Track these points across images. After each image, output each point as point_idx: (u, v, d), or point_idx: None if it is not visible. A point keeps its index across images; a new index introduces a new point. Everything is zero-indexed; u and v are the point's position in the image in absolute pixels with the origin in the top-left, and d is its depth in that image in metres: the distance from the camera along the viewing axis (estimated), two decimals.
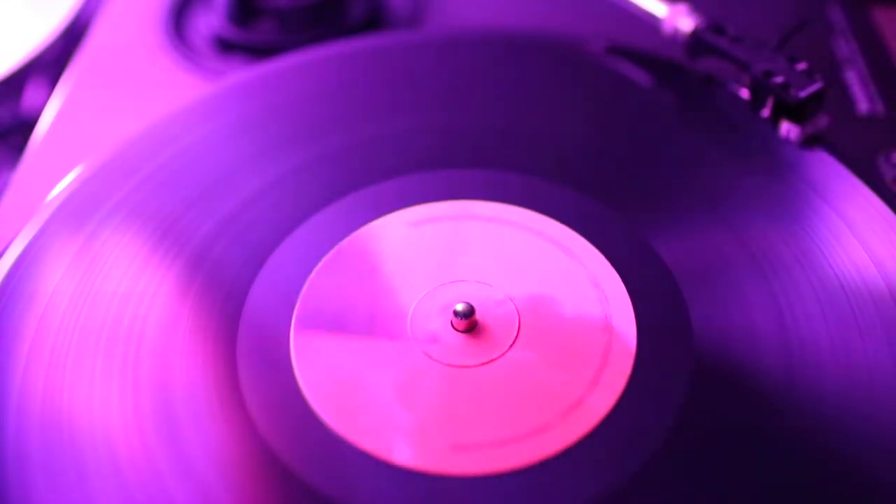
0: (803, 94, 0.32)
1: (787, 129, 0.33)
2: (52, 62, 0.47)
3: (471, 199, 0.32)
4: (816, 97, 0.32)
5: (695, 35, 0.35)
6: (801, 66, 0.33)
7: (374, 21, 0.44)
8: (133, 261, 0.30)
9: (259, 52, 0.42)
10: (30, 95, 0.46)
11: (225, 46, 0.43)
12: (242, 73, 0.37)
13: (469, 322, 0.27)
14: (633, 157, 0.33)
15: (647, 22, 0.37)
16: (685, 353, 0.27)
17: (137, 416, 0.26)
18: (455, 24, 0.44)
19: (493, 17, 0.44)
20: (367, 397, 0.26)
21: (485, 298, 0.29)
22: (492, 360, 0.27)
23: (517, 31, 0.39)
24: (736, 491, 0.24)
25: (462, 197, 0.32)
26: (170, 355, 0.27)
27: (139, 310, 0.28)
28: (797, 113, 0.32)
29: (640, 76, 0.36)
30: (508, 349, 0.27)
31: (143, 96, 0.40)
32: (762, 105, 0.33)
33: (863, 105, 0.38)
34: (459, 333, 0.28)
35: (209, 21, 0.44)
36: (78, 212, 0.31)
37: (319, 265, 0.30)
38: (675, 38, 0.36)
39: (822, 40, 0.42)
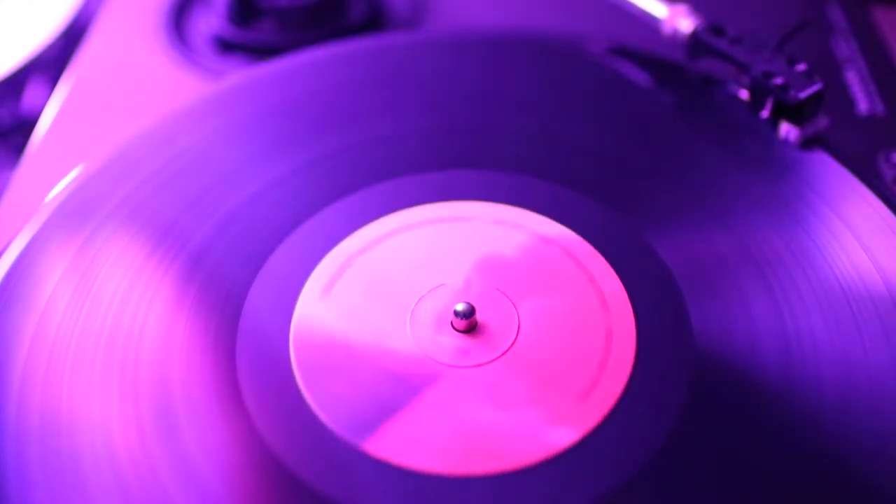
0: (803, 95, 0.32)
1: (786, 129, 0.33)
2: (52, 62, 0.47)
3: (470, 200, 0.32)
4: (816, 98, 0.32)
5: (694, 36, 0.35)
6: (801, 66, 0.33)
7: (374, 21, 0.44)
8: (132, 262, 0.30)
9: (259, 52, 0.42)
10: (30, 95, 0.46)
11: (225, 46, 0.43)
12: (242, 73, 0.37)
13: (469, 322, 0.27)
14: (632, 157, 0.33)
15: (647, 22, 0.37)
16: (685, 353, 0.27)
17: (137, 418, 0.26)
18: (455, 24, 0.44)
19: (493, 17, 0.44)
20: (369, 397, 0.26)
21: (484, 299, 0.29)
22: (492, 361, 0.27)
23: (517, 32, 0.39)
24: (736, 492, 0.24)
25: (461, 198, 0.32)
26: (169, 356, 0.27)
27: (138, 311, 0.28)
28: (797, 114, 0.32)
29: (639, 76, 0.36)
30: (508, 349, 0.27)
31: (143, 96, 0.40)
32: (762, 106, 0.33)
33: (863, 105, 0.38)
34: (460, 333, 0.28)
35: (209, 21, 0.44)
36: (77, 212, 0.31)
37: (321, 263, 0.30)
38: (674, 39, 0.36)
39: (822, 40, 0.42)
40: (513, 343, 0.27)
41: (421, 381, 0.27)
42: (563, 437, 0.25)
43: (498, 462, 0.25)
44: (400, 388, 0.26)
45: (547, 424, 0.25)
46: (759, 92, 0.33)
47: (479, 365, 0.27)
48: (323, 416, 0.26)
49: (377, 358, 0.27)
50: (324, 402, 0.26)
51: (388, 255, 0.30)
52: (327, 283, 0.29)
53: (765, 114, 0.33)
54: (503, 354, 0.27)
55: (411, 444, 0.25)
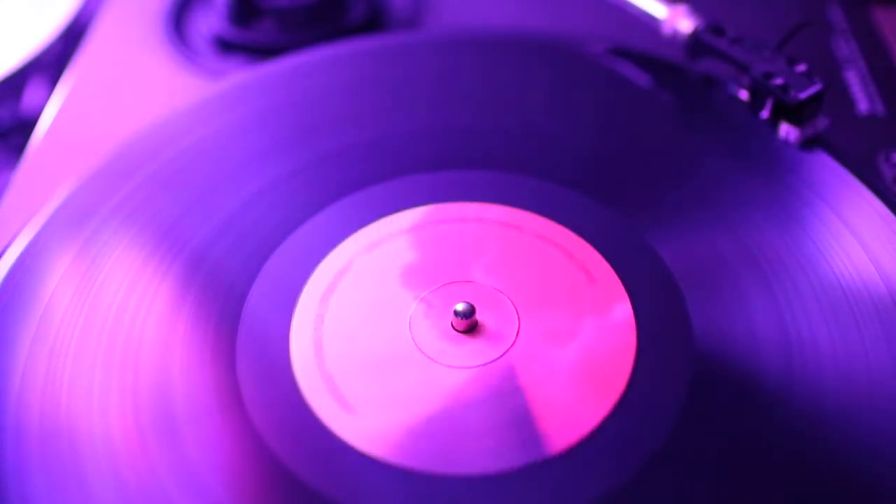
0: (803, 95, 0.32)
1: (786, 130, 0.33)
2: (52, 62, 0.47)
3: (470, 201, 0.32)
4: (816, 99, 0.32)
5: (694, 36, 0.35)
6: (801, 67, 0.33)
7: (374, 21, 0.44)
8: (133, 262, 0.30)
9: (259, 52, 0.42)
10: (30, 95, 0.46)
11: (225, 46, 0.43)
12: (243, 74, 0.37)
13: (469, 322, 0.27)
14: (633, 157, 0.33)
15: (647, 23, 0.37)
16: (685, 353, 0.27)
17: (136, 418, 0.26)
18: (455, 24, 0.44)
19: (493, 17, 0.44)
20: (368, 398, 0.26)
21: (484, 299, 0.29)
22: (492, 361, 0.27)
23: (517, 32, 0.39)
24: (736, 492, 0.24)
25: (461, 199, 0.32)
26: (169, 357, 0.27)
27: (139, 311, 0.28)
28: (796, 114, 0.32)
29: (639, 77, 0.36)
30: (509, 349, 0.27)
31: (143, 96, 0.40)
32: (761, 106, 0.33)
33: (863, 105, 0.38)
34: (459, 334, 0.28)
35: (209, 21, 0.44)
36: (78, 213, 0.31)
37: (320, 265, 0.30)
38: (674, 39, 0.36)
39: (822, 40, 0.42)
40: (513, 343, 0.27)
41: (433, 385, 0.27)
42: (573, 431, 0.25)
43: (512, 458, 0.25)
44: (414, 396, 0.26)
45: (561, 418, 0.25)
46: (759, 92, 0.33)
47: (485, 364, 0.27)
48: (343, 434, 0.25)
49: (385, 368, 0.27)
50: (343, 422, 0.26)
51: (387, 259, 0.30)
52: (326, 290, 0.29)
53: (765, 114, 0.33)
54: (505, 353, 0.27)
55: (446, 448, 0.25)
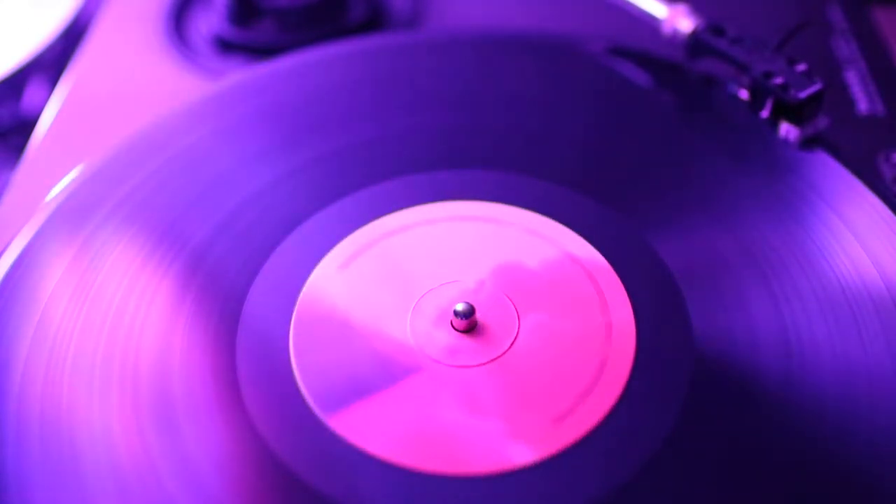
0: (803, 94, 0.32)
1: (786, 129, 0.33)
2: (52, 62, 0.47)
3: (470, 200, 0.32)
4: (816, 98, 0.32)
5: (694, 36, 0.35)
6: (801, 67, 0.33)
7: (374, 21, 0.44)
8: (132, 261, 0.30)
9: (259, 52, 0.42)
10: (30, 95, 0.46)
11: (225, 46, 0.43)
12: (242, 74, 0.37)
13: (469, 322, 0.27)
14: (632, 157, 0.33)
15: (647, 22, 0.37)
16: (685, 353, 0.27)
17: (136, 417, 0.26)
18: (455, 24, 0.44)
19: (493, 17, 0.44)
20: (368, 397, 0.26)
21: (484, 299, 0.29)
22: (492, 360, 0.27)
23: (517, 32, 0.39)
24: (735, 492, 0.24)
25: (461, 197, 0.32)
26: (169, 356, 0.27)
27: (138, 310, 0.28)
28: (796, 114, 0.32)
29: (639, 76, 0.36)
30: (508, 349, 0.27)
31: (143, 96, 0.40)
32: (761, 106, 0.33)
33: (863, 105, 0.38)
34: (459, 333, 0.28)
35: (209, 21, 0.44)
36: (77, 212, 0.31)
37: (319, 265, 0.30)
38: (674, 39, 0.36)
39: (822, 40, 0.42)
40: (509, 347, 0.27)
41: (402, 369, 0.27)
42: (525, 454, 0.25)
43: (452, 464, 0.24)
44: (381, 371, 0.27)
45: (510, 438, 0.25)
46: (759, 92, 0.33)
47: (463, 367, 0.27)
48: (316, 408, 0.26)
49: (369, 338, 0.28)
50: (307, 371, 0.27)
51: (414, 243, 0.30)
52: (348, 257, 0.30)
53: (765, 114, 0.33)
54: (493, 360, 0.27)
55: (373, 428, 0.25)
